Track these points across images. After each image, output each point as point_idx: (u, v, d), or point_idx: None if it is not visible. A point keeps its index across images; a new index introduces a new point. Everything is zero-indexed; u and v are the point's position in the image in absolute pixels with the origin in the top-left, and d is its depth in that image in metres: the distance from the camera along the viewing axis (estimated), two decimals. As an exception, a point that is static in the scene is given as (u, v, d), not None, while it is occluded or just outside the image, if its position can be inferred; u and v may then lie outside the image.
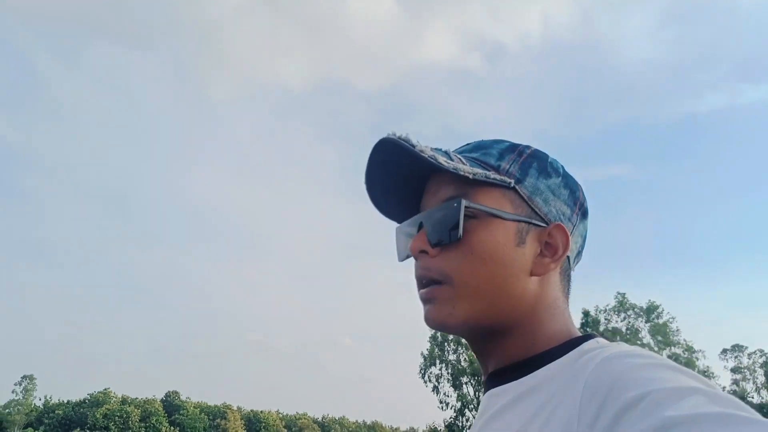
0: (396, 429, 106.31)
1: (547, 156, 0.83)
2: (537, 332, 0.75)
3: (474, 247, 0.74)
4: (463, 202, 0.74)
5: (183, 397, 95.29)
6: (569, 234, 0.78)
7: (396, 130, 0.76)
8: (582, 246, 0.85)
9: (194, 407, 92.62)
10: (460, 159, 0.77)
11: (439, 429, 50.31)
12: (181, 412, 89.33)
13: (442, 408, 47.80)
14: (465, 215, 0.74)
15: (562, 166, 0.84)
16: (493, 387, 0.76)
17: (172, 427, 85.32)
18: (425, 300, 0.78)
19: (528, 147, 0.83)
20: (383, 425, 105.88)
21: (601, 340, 0.73)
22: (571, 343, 0.72)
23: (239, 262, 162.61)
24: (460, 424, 45.77)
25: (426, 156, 0.73)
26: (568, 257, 0.80)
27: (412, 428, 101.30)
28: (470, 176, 0.74)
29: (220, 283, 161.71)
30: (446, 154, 0.77)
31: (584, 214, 0.84)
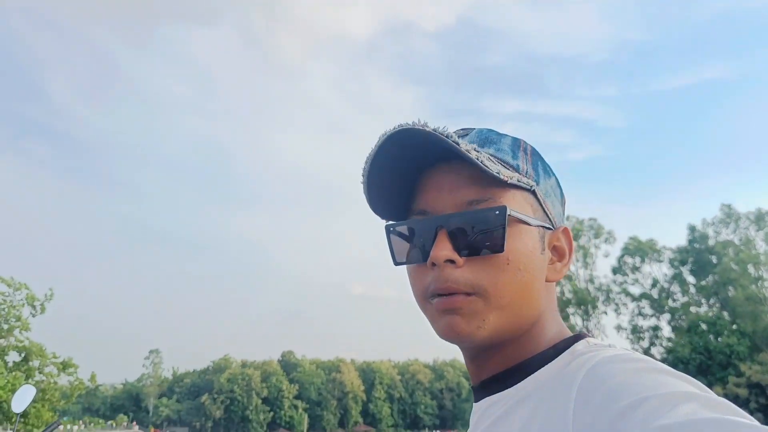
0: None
1: (537, 151, 0.80)
2: (539, 338, 0.73)
3: (510, 257, 0.70)
4: (508, 211, 0.69)
5: (298, 356, 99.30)
6: (572, 237, 0.77)
7: (420, 117, 0.70)
8: None
9: (310, 364, 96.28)
10: (489, 156, 0.72)
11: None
12: (298, 369, 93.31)
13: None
14: (500, 221, 0.69)
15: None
16: (489, 394, 0.74)
17: (291, 385, 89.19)
18: (446, 310, 0.70)
19: (525, 141, 0.79)
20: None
21: (591, 340, 0.72)
22: (562, 345, 0.71)
23: (333, 218, 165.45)
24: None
25: (469, 156, 0.67)
26: None
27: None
28: (507, 180, 0.69)
29: (319, 241, 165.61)
30: (475, 149, 0.70)
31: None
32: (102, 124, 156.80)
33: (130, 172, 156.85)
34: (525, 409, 0.66)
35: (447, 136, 0.67)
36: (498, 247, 0.69)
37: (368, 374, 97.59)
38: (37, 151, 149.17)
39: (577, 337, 0.72)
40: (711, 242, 51.85)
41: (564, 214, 0.80)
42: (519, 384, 0.70)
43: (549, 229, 0.75)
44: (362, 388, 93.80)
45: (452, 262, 0.70)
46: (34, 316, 28.34)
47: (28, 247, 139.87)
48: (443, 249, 0.69)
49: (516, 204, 0.72)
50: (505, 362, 0.73)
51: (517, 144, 0.77)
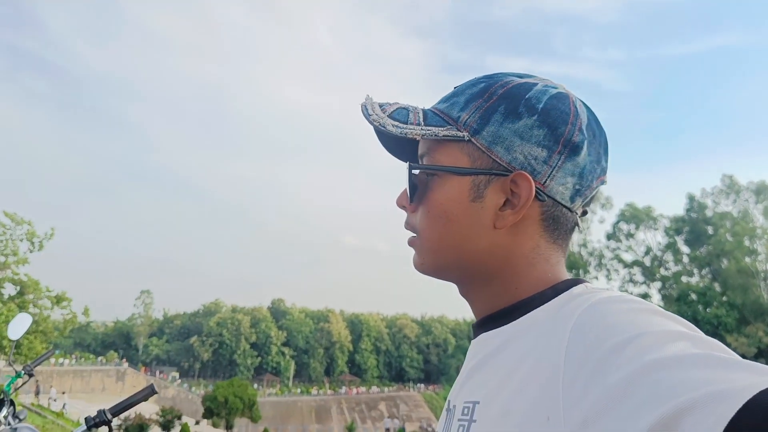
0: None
1: (526, 91, 0.75)
2: (517, 281, 0.75)
3: (430, 206, 0.77)
4: (408, 166, 0.79)
5: (288, 304, 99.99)
6: (534, 181, 0.72)
7: (371, 94, 0.82)
8: (579, 183, 0.75)
9: (299, 312, 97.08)
10: (419, 117, 0.77)
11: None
12: (288, 317, 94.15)
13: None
14: (427, 173, 0.78)
15: (550, 98, 0.74)
16: (486, 331, 0.77)
17: (280, 332, 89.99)
18: (409, 245, 0.83)
19: (504, 85, 0.76)
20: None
21: (589, 285, 0.73)
22: (558, 288, 0.72)
23: (329, 169, 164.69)
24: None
25: (375, 125, 0.76)
26: (554, 201, 0.74)
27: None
28: (417, 138, 0.75)
29: (313, 191, 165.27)
30: (406, 114, 0.77)
31: (574, 149, 0.73)
32: (101, 60, 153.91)
33: (127, 109, 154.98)
34: (521, 344, 0.68)
35: (365, 107, 0.79)
36: (412, 198, 0.80)
37: (356, 326, 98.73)
38: (35, 84, 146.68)
39: (576, 282, 0.74)
40: (708, 213, 51.83)
41: (560, 153, 0.73)
42: (515, 321, 0.72)
43: (501, 175, 0.73)
44: (349, 338, 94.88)
45: (405, 207, 0.83)
46: (32, 252, 28.34)
47: (23, 181, 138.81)
48: (400, 197, 0.83)
49: (444, 156, 0.76)
50: (492, 304, 0.77)
51: (482, 93, 0.76)
